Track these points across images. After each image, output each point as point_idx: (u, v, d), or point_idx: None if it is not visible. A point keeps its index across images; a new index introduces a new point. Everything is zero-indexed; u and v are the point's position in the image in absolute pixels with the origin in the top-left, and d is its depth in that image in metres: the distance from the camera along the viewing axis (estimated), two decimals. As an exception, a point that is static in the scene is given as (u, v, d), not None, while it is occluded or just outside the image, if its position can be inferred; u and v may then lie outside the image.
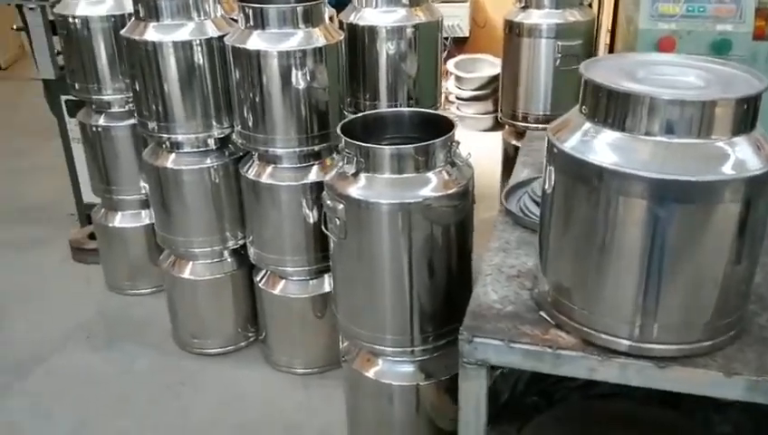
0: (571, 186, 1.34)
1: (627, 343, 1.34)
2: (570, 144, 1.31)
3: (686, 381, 1.34)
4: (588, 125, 1.31)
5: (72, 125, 3.52)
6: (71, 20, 2.93)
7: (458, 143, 1.93)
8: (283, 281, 2.71)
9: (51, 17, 3.36)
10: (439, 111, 2.63)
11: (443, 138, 1.87)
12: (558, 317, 1.43)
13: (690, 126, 1.21)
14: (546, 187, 1.44)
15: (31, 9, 3.40)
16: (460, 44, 5.53)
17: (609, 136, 1.27)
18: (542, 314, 1.47)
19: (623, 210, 1.26)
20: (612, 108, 1.26)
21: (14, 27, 3.78)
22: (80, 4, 2.93)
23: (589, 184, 1.28)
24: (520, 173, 2.17)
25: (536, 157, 2.29)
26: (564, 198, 1.37)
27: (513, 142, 3.33)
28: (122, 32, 2.56)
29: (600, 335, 1.36)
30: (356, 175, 1.89)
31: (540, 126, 3.08)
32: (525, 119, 3.21)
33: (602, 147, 1.27)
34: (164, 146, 2.69)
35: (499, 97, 3.47)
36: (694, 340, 1.33)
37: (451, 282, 2.00)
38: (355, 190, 1.89)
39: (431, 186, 1.87)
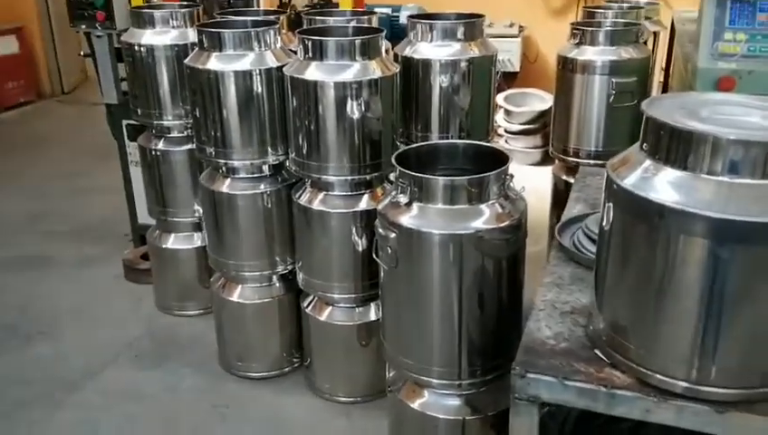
0: (631, 223, 1.32)
1: (684, 384, 1.31)
2: (630, 181, 1.30)
3: (744, 428, 1.30)
4: (648, 162, 1.30)
5: (132, 149, 3.64)
6: (136, 48, 3.06)
7: (512, 176, 1.94)
8: (330, 307, 2.73)
9: (116, 45, 3.52)
10: (492, 144, 2.64)
11: (497, 170, 1.87)
12: (613, 356, 1.40)
13: (754, 167, 1.19)
14: (604, 223, 1.43)
15: (98, 37, 3.56)
16: (510, 79, 5.55)
17: (670, 174, 1.26)
18: (597, 351, 1.45)
19: (684, 250, 1.24)
20: (675, 146, 1.26)
21: (81, 54, 3.96)
22: (146, 33, 3.06)
23: (649, 222, 1.27)
24: (573, 208, 2.16)
25: (589, 192, 2.28)
26: (623, 235, 1.36)
27: (564, 177, 3.31)
28: (186, 60, 2.66)
29: (656, 376, 1.33)
30: (409, 204, 1.91)
31: (591, 162, 3.06)
32: (577, 154, 3.18)
33: (663, 185, 1.25)
34: (220, 171, 2.76)
35: (550, 131, 3.46)
36: (754, 385, 1.29)
37: (501, 316, 1.99)
38: (407, 219, 1.90)
39: (484, 218, 1.87)
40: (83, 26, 3.54)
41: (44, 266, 3.95)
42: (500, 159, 1.98)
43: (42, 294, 3.66)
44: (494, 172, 1.87)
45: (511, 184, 1.95)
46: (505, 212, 1.90)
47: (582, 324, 1.54)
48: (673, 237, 1.24)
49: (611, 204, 1.38)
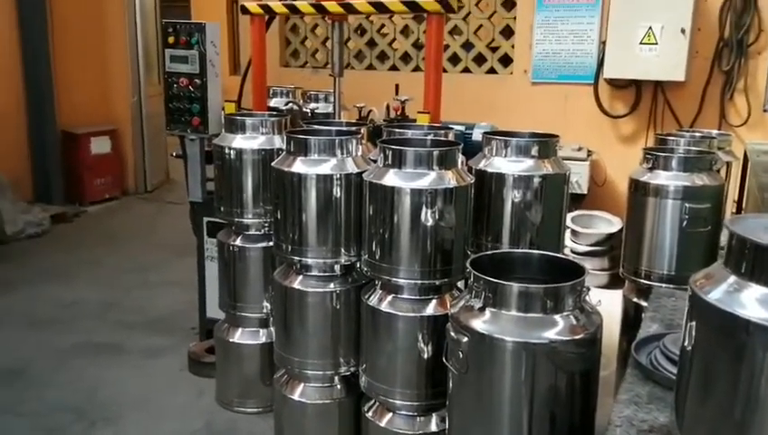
0: (715, 340, 1.30)
1: None
2: (715, 296, 1.29)
3: None
4: (733, 279, 1.30)
5: (209, 244, 3.81)
6: (227, 151, 3.27)
7: (588, 289, 1.94)
8: (391, 414, 2.69)
9: (206, 149, 3.78)
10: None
11: (573, 281, 1.88)
12: (696, 478, 1.34)
13: (842, 288, 1.18)
14: (686, 343, 1.40)
15: (191, 140, 3.84)
16: (578, 201, 5.59)
17: (756, 291, 1.25)
18: (678, 473, 1.39)
19: (771, 369, 1.21)
20: (759, 263, 1.26)
21: (173, 154, 4.25)
22: (236, 138, 3.27)
23: (735, 339, 1.25)
24: (648, 328, 2.12)
25: (665, 313, 2.24)
26: (706, 353, 1.33)
27: (635, 299, 3.25)
28: (273, 163, 2.83)
29: (742, 503, 1.26)
30: (482, 309, 1.92)
31: (663, 285, 3.01)
32: (649, 277, 3.14)
33: (750, 301, 1.24)
34: (294, 267, 2.86)
35: (620, 253, 3.43)
36: None
37: (572, 433, 1.93)
38: (480, 324, 1.91)
39: (558, 329, 1.86)
40: (177, 130, 3.83)
41: (114, 354, 4.06)
42: (575, 272, 1.99)
43: (109, 381, 3.73)
44: (569, 283, 1.88)
45: (587, 297, 1.95)
46: (580, 325, 1.89)
47: (662, 444, 1.49)
48: (759, 355, 1.22)
49: (694, 322, 1.36)
